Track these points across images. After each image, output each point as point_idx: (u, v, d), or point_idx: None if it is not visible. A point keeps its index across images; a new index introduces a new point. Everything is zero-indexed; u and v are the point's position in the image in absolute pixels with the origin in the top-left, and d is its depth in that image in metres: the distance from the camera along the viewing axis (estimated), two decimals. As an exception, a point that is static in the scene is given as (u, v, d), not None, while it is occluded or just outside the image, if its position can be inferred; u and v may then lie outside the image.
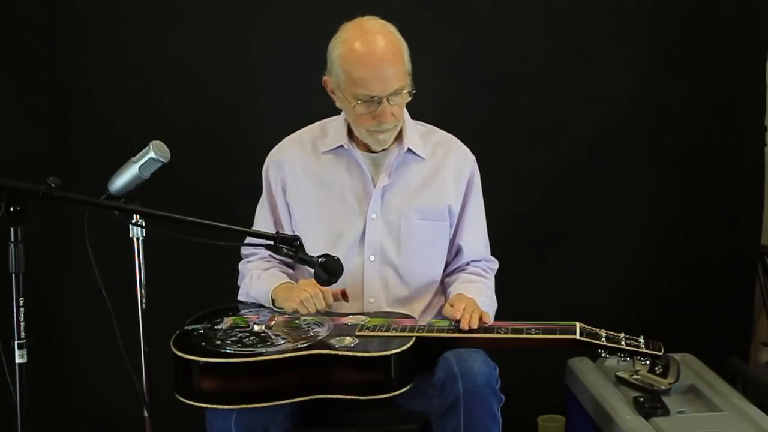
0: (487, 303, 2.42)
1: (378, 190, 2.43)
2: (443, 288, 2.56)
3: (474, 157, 2.55)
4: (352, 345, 2.15)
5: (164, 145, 2.23)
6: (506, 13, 3.25)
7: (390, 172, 2.44)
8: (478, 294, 2.38)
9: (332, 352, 2.13)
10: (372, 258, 2.44)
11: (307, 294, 2.29)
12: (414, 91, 2.34)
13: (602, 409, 2.77)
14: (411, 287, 2.47)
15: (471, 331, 2.20)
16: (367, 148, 2.45)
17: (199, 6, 3.15)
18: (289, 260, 2.48)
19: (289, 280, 2.45)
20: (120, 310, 2.21)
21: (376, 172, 2.45)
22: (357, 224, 2.44)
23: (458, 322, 2.22)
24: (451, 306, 2.27)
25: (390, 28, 2.33)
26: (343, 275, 2.25)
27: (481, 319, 2.22)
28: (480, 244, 2.57)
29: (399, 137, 2.44)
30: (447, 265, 2.55)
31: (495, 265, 2.60)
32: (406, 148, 2.44)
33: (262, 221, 2.52)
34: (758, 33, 3.34)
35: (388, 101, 2.29)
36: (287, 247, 2.18)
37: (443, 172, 2.49)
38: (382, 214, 2.44)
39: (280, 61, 3.17)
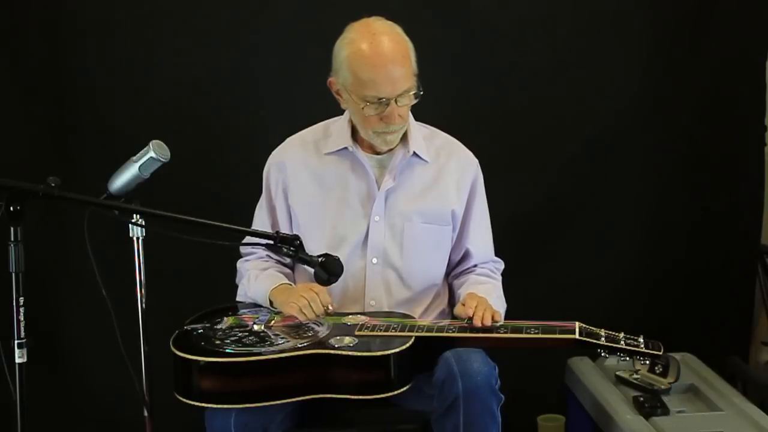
0: (498, 303, 2.41)
1: (382, 192, 2.43)
2: (447, 290, 2.57)
3: (477, 161, 2.54)
4: (351, 345, 2.15)
5: (164, 145, 2.23)
6: (506, 13, 3.25)
7: (395, 174, 2.43)
8: (488, 294, 2.38)
9: (332, 351, 2.12)
10: (374, 260, 2.43)
11: (305, 301, 2.29)
12: (421, 92, 2.31)
13: (602, 409, 2.77)
14: (413, 290, 2.46)
15: (472, 330, 2.20)
16: (372, 150, 2.44)
17: (199, 6, 3.15)
18: (288, 260, 2.49)
19: (287, 281, 2.45)
20: (120, 310, 2.21)
21: (380, 174, 2.44)
22: (360, 226, 2.43)
23: (471, 319, 2.22)
24: (464, 305, 2.28)
25: (397, 29, 2.32)
26: (344, 277, 2.26)
27: (492, 317, 2.22)
28: (487, 245, 2.57)
29: (404, 139, 2.43)
30: (453, 267, 2.55)
31: (501, 265, 2.61)
32: (411, 152, 2.43)
33: (260, 223, 2.51)
34: (758, 33, 3.34)
35: (396, 103, 2.28)
36: (287, 247, 2.18)
37: (446, 176, 2.48)
38: (385, 216, 2.43)
39: (281, 60, 3.17)
